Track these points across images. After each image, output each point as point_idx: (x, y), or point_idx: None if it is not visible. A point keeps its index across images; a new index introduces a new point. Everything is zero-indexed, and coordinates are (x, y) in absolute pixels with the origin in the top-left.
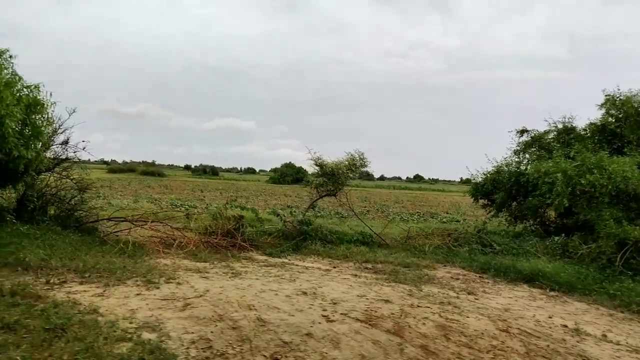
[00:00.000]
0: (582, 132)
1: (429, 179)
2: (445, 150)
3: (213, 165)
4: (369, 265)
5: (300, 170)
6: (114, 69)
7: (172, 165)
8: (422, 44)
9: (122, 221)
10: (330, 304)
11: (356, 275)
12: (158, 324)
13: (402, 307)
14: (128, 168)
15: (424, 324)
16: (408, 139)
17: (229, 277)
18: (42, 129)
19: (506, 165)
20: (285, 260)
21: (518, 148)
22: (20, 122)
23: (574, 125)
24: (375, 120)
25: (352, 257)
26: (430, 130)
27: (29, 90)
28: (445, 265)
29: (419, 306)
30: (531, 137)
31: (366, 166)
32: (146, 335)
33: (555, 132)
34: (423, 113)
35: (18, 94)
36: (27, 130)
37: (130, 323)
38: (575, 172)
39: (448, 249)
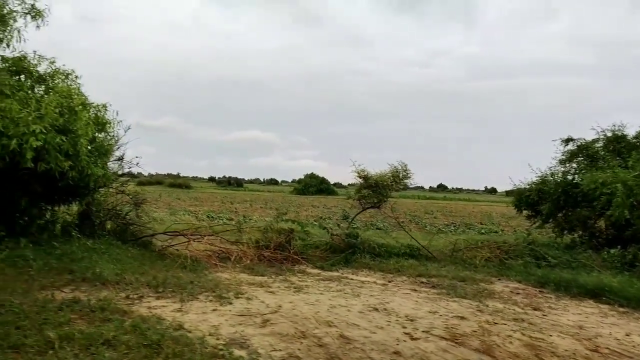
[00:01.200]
0: (634, 140)
1: (453, 188)
2: (467, 159)
3: (236, 177)
4: (424, 280)
5: (323, 180)
6: (139, 84)
7: (196, 177)
8: (442, 53)
9: (177, 235)
10: (406, 320)
11: (415, 290)
12: (244, 341)
13: (479, 324)
14: (156, 180)
15: (510, 342)
16: (429, 148)
17: (294, 292)
18: (110, 147)
19: (551, 175)
20: (339, 274)
21: (563, 157)
22: (89, 141)
23: (624, 133)
24: (395, 129)
25: (404, 271)
26: (452, 139)
27: (96, 109)
28: (499, 279)
29: (495, 323)
30: (577, 146)
31: (410, 178)
32: (237, 352)
33: (604, 141)
34: (444, 122)
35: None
36: (94, 148)
37: (217, 340)
38: (635, 183)
39: (500, 262)
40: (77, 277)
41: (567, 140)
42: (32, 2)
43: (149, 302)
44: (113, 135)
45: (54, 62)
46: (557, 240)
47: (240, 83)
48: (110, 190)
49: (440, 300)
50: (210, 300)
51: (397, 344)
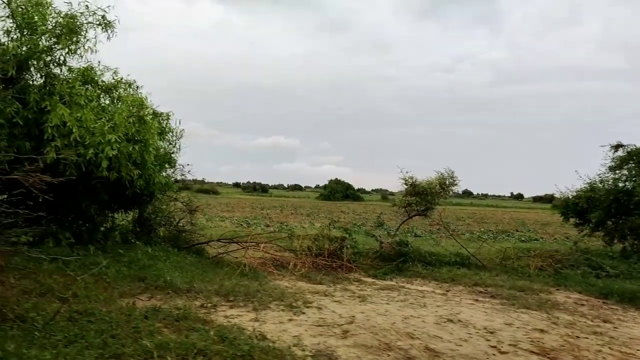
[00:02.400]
0: None
1: (478, 194)
2: (491, 165)
3: (260, 182)
4: (481, 289)
5: (349, 186)
6: (164, 91)
7: (220, 182)
8: (467, 58)
9: (231, 242)
10: (486, 333)
11: (478, 300)
12: (331, 352)
13: (562, 337)
14: (184, 186)
15: (604, 358)
16: (453, 154)
17: (360, 302)
18: (173, 155)
19: (601, 182)
20: (394, 283)
21: (613, 164)
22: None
23: None
24: (418, 135)
25: (459, 280)
26: (476, 144)
27: (160, 118)
28: (558, 289)
29: (577, 337)
30: (627, 152)
31: (456, 184)
32: None
33: None
34: (468, 127)
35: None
36: (159, 157)
37: (303, 351)
38: None
39: (555, 271)
40: (149, 284)
41: (617, 147)
42: (102, 14)
43: (223, 311)
44: (175, 144)
45: (117, 72)
46: (608, 249)
47: (264, 89)
48: (166, 197)
49: (508, 311)
50: (282, 310)
51: (487, 358)
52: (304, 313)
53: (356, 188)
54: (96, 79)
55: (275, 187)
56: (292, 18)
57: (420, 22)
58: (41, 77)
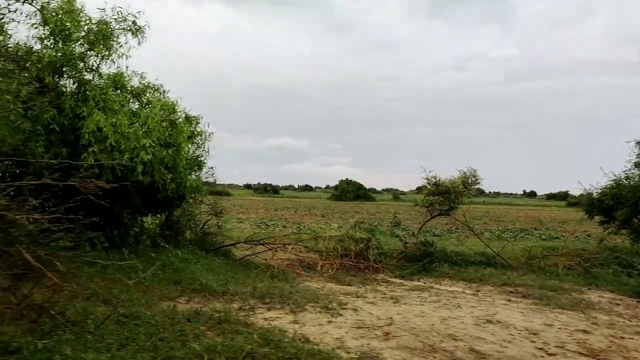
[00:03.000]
0: None
1: (490, 192)
2: (503, 162)
3: (271, 184)
4: (510, 289)
5: (361, 187)
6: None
7: (231, 184)
8: (475, 56)
9: (257, 244)
10: (529, 334)
11: (511, 300)
12: (376, 355)
13: (607, 338)
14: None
15: None
16: (464, 153)
17: (393, 303)
18: (203, 158)
19: (626, 179)
20: (421, 284)
21: (639, 160)
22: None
23: None
24: (428, 134)
25: (487, 280)
26: (487, 142)
27: (192, 122)
28: (589, 289)
29: (622, 337)
30: None
31: (479, 183)
32: None
33: None
34: (478, 126)
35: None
36: (190, 160)
37: (348, 353)
38: None
39: (584, 270)
40: (185, 287)
41: None
42: (133, 19)
43: (261, 313)
44: (204, 147)
45: (143, 76)
46: (636, 247)
47: (272, 91)
48: (192, 200)
49: (544, 311)
50: (319, 312)
51: None
52: (341, 315)
53: (367, 188)
54: (125, 84)
55: (285, 188)
56: (299, 20)
57: (428, 21)
58: (74, 84)
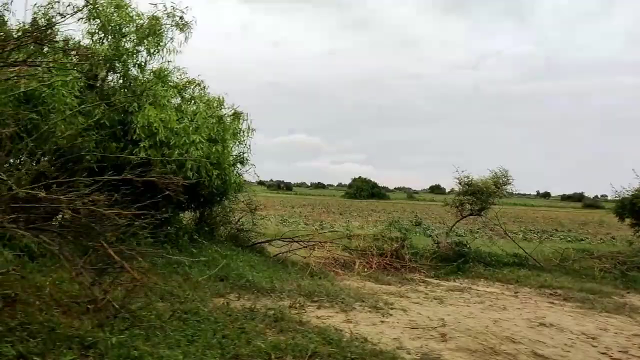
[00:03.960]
0: None
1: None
2: (517, 162)
3: (283, 180)
4: (549, 291)
5: (375, 185)
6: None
7: (244, 181)
8: (493, 54)
9: (292, 241)
10: (587, 338)
11: (553, 303)
12: (437, 356)
13: None
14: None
15: None
16: (479, 152)
17: (439, 304)
18: (246, 155)
19: None
20: (458, 284)
21: None
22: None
23: None
24: (443, 133)
25: (524, 282)
26: (502, 141)
27: (240, 118)
28: (629, 292)
29: None
30: None
31: (510, 183)
32: None
33: None
34: (494, 124)
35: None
36: (236, 157)
37: (409, 354)
38: None
39: (621, 273)
40: (233, 284)
41: None
42: (180, 15)
43: (312, 311)
44: (246, 143)
45: (186, 72)
46: None
47: (287, 87)
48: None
49: (593, 315)
50: (369, 311)
51: None
52: (391, 315)
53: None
54: (169, 79)
55: (298, 185)
56: (316, 17)
57: (447, 18)
58: (122, 79)
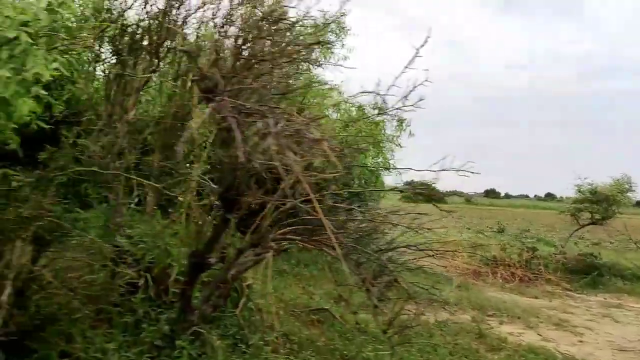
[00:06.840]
0: None
1: (561, 197)
2: (578, 166)
3: None
4: None
5: (433, 189)
6: None
7: None
8: (548, 53)
9: (424, 250)
10: None
11: None
12: None
13: None
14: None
15: None
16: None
17: (613, 321)
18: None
19: None
20: (603, 299)
21: None
22: None
23: None
24: (495, 135)
25: None
26: (557, 144)
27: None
28: None
29: None
30: None
31: (634, 190)
32: None
33: None
34: (549, 127)
35: None
36: None
37: None
38: None
39: None
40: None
41: None
42: (337, 20)
43: (497, 326)
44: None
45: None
46: None
47: None
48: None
49: None
50: (555, 329)
51: None
52: (581, 334)
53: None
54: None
55: None
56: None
57: (500, 16)
58: None
